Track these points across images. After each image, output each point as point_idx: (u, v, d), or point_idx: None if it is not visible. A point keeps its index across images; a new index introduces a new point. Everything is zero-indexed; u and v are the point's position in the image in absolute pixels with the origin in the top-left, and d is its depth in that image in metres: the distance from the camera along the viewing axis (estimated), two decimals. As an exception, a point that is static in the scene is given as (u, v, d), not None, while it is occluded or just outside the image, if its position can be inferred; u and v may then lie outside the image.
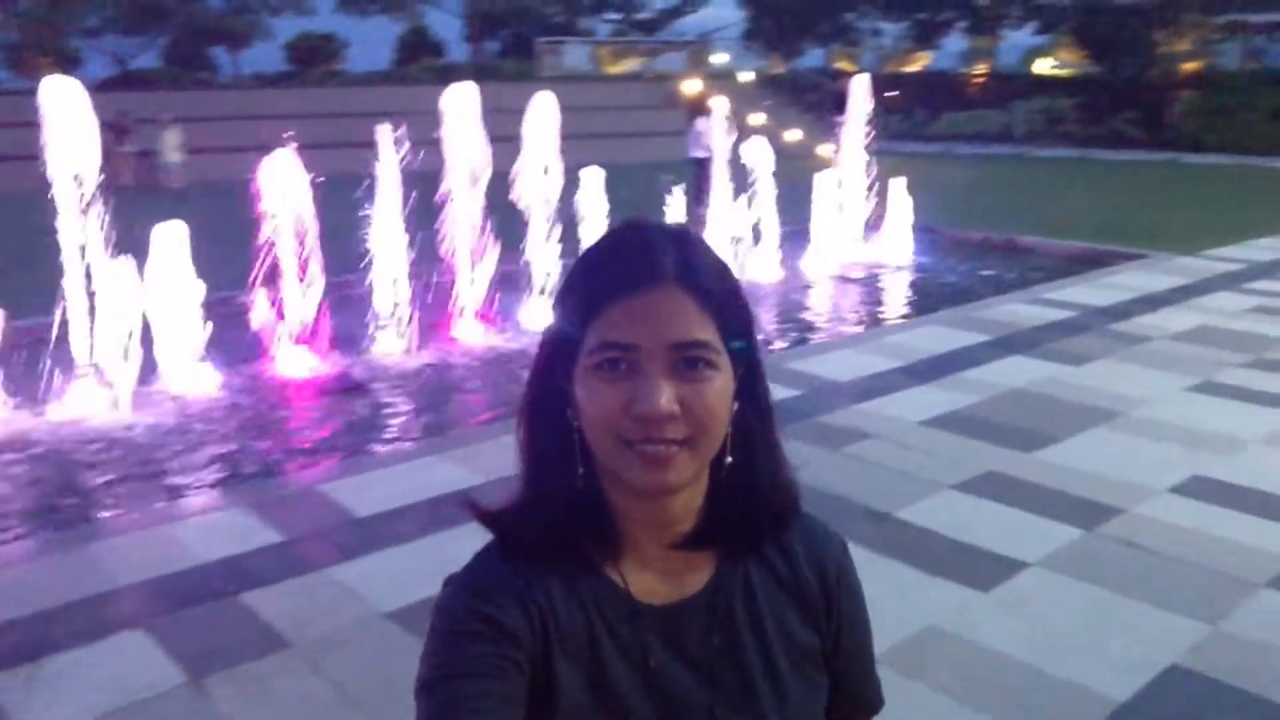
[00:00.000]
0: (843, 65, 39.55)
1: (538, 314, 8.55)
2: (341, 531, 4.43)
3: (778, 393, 4.76)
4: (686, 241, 1.05)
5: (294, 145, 7.41)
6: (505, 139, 8.55)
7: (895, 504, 4.69)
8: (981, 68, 40.07)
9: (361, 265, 7.98)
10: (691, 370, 1.00)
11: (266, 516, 4.56)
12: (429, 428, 6.25)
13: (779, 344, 8.30)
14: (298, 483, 5.13)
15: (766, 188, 10.87)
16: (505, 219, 8.55)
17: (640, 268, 1.01)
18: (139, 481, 5.38)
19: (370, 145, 8.04)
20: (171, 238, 6.73)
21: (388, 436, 6.14)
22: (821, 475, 5.00)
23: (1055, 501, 4.71)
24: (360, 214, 8.06)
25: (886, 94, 27.03)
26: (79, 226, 6.45)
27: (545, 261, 8.70)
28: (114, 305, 6.50)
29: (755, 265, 10.60)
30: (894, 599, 3.86)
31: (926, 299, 9.75)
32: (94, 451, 5.79)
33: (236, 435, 6.08)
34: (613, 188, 9.40)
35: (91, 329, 6.50)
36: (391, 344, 7.74)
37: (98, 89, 22.55)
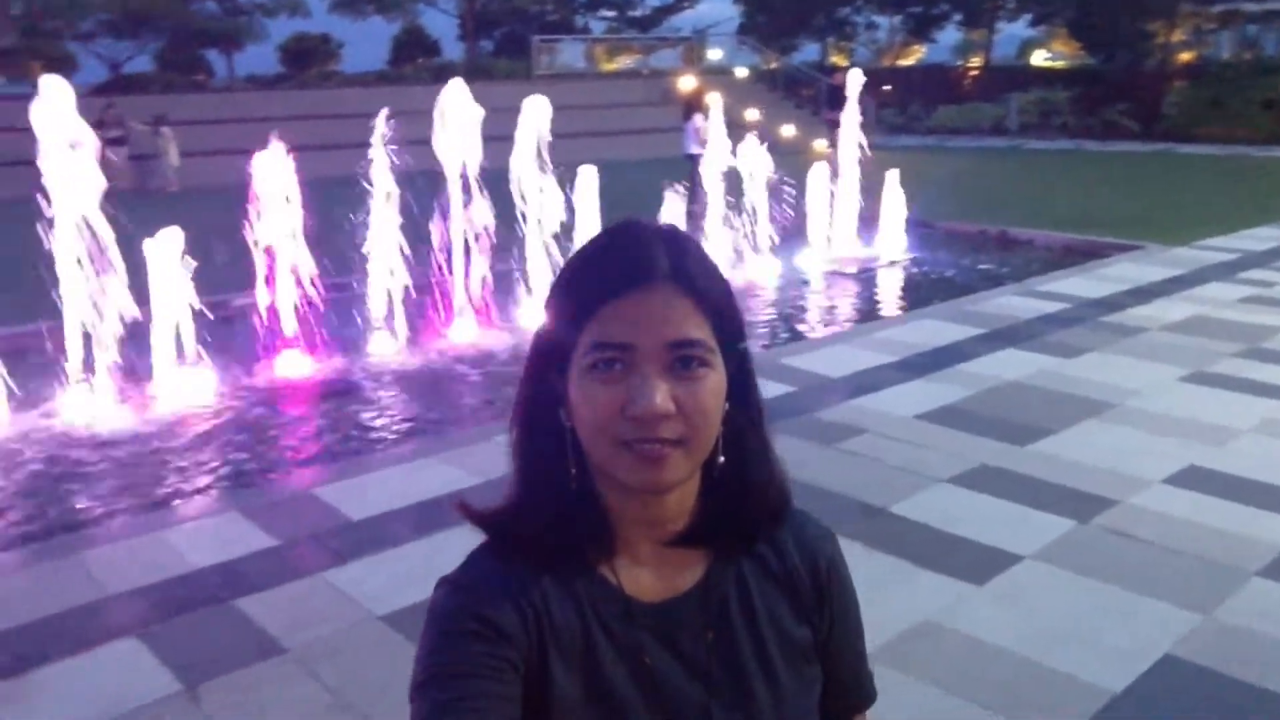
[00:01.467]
0: (837, 60, 39.59)
1: (533, 313, 8.55)
2: (336, 535, 4.43)
3: (771, 389, 4.77)
4: (679, 241, 1.05)
5: (285, 146, 7.40)
6: (500, 138, 8.56)
7: (890, 498, 4.69)
8: (976, 60, 40.11)
9: (356, 267, 7.97)
10: (686, 369, 1.00)
11: (260, 521, 4.56)
12: (424, 429, 6.25)
13: (773, 340, 8.31)
14: (292, 487, 5.12)
15: (761, 183, 10.88)
16: (500, 218, 8.55)
17: (635, 267, 1.01)
18: (132, 488, 5.37)
19: (364, 146, 8.04)
20: (166, 242, 6.73)
21: (382, 439, 6.13)
22: (816, 471, 5.01)
23: (1049, 494, 4.72)
24: (354, 215, 8.06)
25: (881, 88, 27.08)
26: (72, 232, 6.45)
27: (540, 261, 8.70)
28: (107, 311, 6.50)
29: (750, 261, 10.60)
30: (888, 593, 3.87)
31: (920, 293, 9.75)
32: (87, 459, 5.77)
33: (231, 440, 6.07)
34: (609, 185, 9.41)
35: (85, 335, 6.51)
36: (386, 346, 7.74)
37: (92, 93, 22.63)
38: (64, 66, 30.18)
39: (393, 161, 7.97)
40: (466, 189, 8.29)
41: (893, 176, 11.83)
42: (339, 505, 4.73)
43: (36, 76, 6.93)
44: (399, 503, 4.74)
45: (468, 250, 8.35)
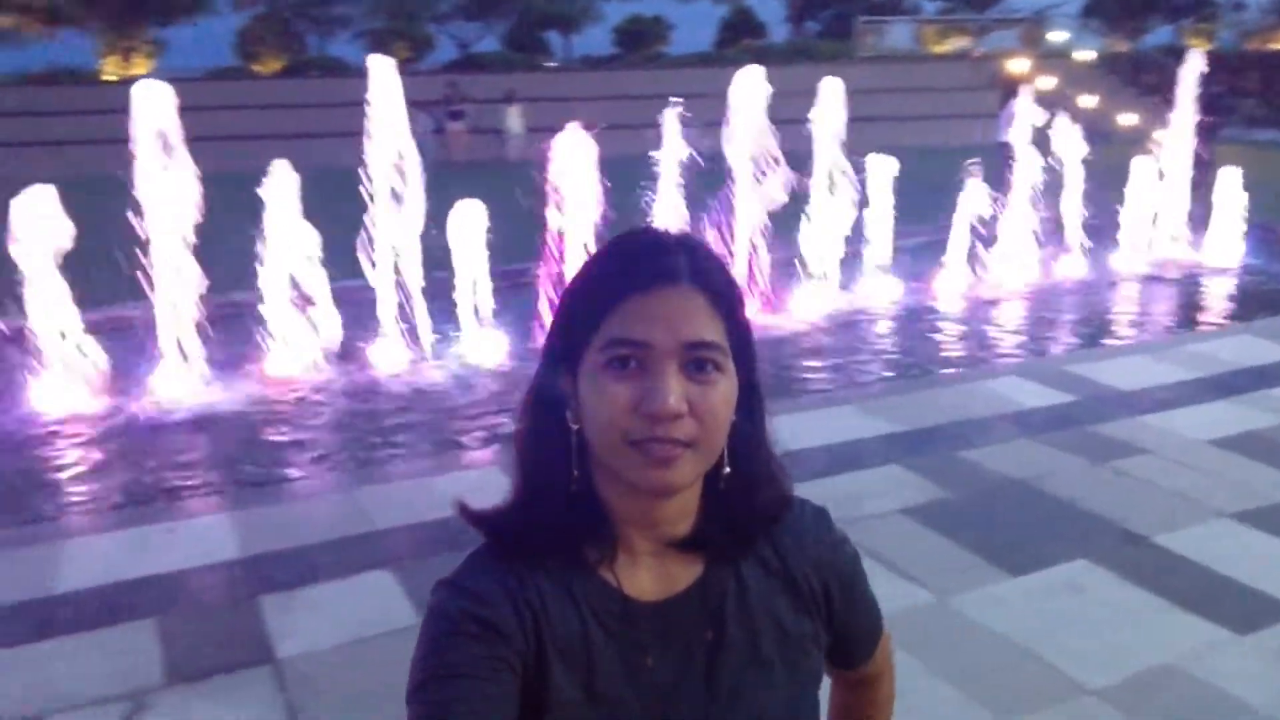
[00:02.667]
0: (1195, 43, 36.11)
1: (810, 300, 8.49)
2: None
3: (1050, 397, 4.56)
4: (696, 245, 1.06)
5: (588, 126, 7.78)
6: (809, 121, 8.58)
7: (1156, 527, 4.32)
8: (1368, 44, 35.35)
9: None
10: (700, 371, 1.01)
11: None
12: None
13: (1064, 345, 7.81)
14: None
15: (1075, 175, 10.18)
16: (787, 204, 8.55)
17: (654, 267, 1.02)
18: (418, 436, 5.90)
19: (684, 126, 8.31)
20: (469, 212, 7.26)
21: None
22: (1077, 488, 4.70)
23: (1351, 544, 4.17)
24: (650, 194, 8.33)
25: (1243, 75, 24.46)
26: (387, 199, 7.14)
27: (820, 246, 8.65)
28: (413, 273, 7.15)
29: (1055, 259, 9.95)
30: (1133, 629, 3.60)
31: (1246, 306, 8.83)
32: (386, 407, 6.40)
33: (509, 400, 6.50)
34: (911, 171, 9.16)
35: (398, 294, 7.18)
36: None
37: (442, 70, 24.54)
38: (423, 46, 33.03)
39: (684, 143, 8.16)
40: (760, 174, 8.36)
41: (1233, 174, 10.69)
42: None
43: (399, 55, 7.64)
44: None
45: (755, 231, 8.42)
